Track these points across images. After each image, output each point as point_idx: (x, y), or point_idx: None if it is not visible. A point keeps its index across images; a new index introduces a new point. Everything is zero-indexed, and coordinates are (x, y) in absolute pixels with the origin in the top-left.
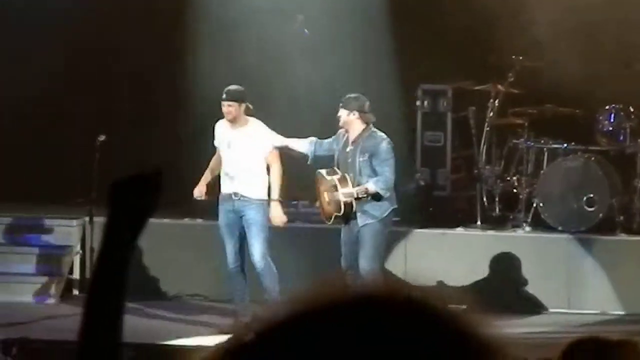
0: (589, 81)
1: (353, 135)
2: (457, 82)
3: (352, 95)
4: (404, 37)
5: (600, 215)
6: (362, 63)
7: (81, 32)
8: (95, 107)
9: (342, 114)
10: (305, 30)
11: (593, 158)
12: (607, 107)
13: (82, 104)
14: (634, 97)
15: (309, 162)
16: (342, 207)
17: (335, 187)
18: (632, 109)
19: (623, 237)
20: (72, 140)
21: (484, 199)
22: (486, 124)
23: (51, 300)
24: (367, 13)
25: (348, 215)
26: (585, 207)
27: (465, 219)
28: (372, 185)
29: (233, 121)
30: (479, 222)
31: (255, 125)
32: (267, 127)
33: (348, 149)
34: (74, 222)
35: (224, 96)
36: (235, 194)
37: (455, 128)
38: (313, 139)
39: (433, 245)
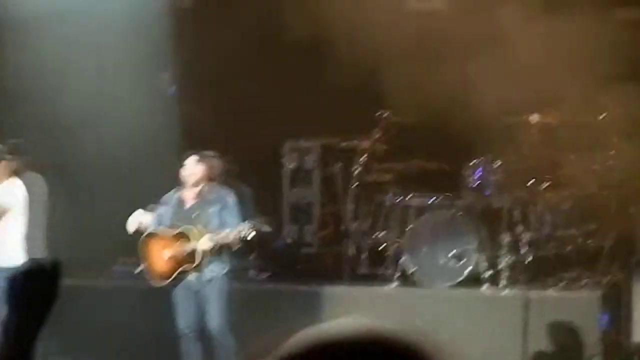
0: (458, 134)
1: (195, 189)
2: (324, 139)
3: (208, 152)
4: (270, 92)
5: (468, 269)
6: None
7: None
8: None
9: (196, 169)
10: (172, 89)
11: (460, 213)
12: (473, 162)
13: None
14: (501, 150)
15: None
16: (201, 256)
17: (182, 240)
18: (497, 163)
19: (490, 292)
20: None
21: (352, 256)
22: (353, 180)
23: None
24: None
25: (197, 267)
26: (453, 262)
27: (333, 276)
28: (234, 233)
29: None
30: (346, 279)
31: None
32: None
33: (190, 205)
34: None
35: None
36: None
37: (323, 184)
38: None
39: (302, 302)
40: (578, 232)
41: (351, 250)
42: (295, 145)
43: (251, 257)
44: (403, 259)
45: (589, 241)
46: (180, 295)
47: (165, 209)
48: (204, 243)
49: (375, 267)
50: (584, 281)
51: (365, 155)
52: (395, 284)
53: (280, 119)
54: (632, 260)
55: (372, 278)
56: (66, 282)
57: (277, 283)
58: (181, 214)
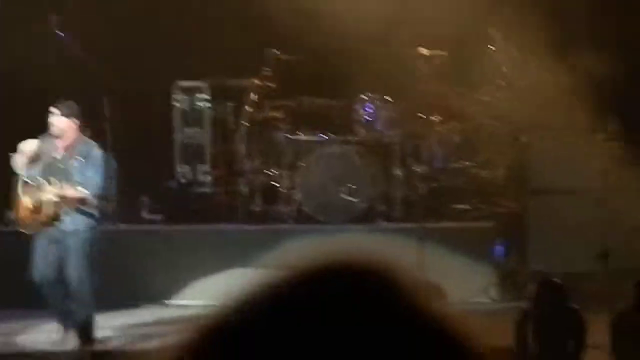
0: (346, 72)
1: (66, 142)
2: (214, 78)
3: (69, 101)
4: (159, 33)
5: (362, 205)
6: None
7: None
8: None
9: (59, 120)
10: (61, 33)
11: (352, 148)
12: (363, 97)
13: None
14: (391, 85)
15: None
16: (51, 208)
17: (41, 190)
18: (388, 98)
19: (385, 225)
20: None
21: (246, 195)
22: (245, 119)
23: None
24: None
25: (55, 218)
26: (347, 198)
27: (228, 215)
28: (82, 190)
29: None
30: (240, 218)
31: None
32: None
33: (59, 156)
34: None
35: None
36: None
37: (214, 124)
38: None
39: (197, 243)
40: (471, 163)
41: (245, 189)
42: (184, 85)
43: (144, 198)
44: (297, 196)
45: (482, 172)
46: (41, 245)
47: (37, 156)
48: (49, 195)
49: (269, 206)
50: (479, 212)
51: (256, 93)
52: (290, 221)
53: (170, 59)
54: (526, 190)
55: (267, 217)
56: None
57: (171, 224)
58: (50, 163)
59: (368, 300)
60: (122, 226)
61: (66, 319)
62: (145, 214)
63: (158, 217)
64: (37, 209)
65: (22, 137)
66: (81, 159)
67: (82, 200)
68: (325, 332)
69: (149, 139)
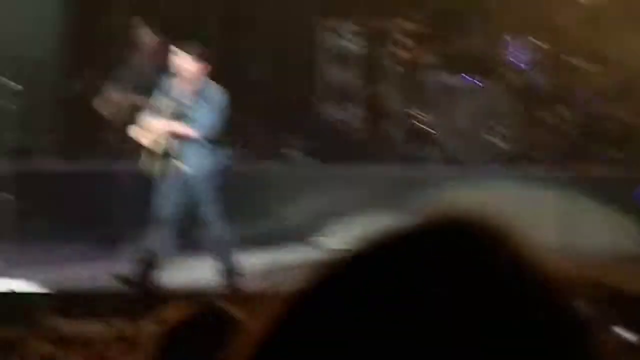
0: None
1: (189, 83)
2: (364, 18)
3: (194, 42)
4: None
5: (507, 148)
6: None
7: None
8: None
9: (186, 61)
10: None
11: (500, 91)
12: (513, 40)
13: None
14: (542, 28)
15: None
16: (162, 145)
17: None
18: (538, 42)
19: (530, 170)
20: None
21: (393, 137)
22: (391, 60)
23: None
24: None
25: (166, 153)
26: (493, 140)
27: (375, 157)
28: (197, 129)
29: None
30: (387, 159)
31: None
32: None
33: (183, 98)
34: None
35: None
36: None
37: (360, 64)
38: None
39: (347, 184)
40: (622, 110)
41: (390, 130)
42: (333, 25)
43: (287, 137)
44: (443, 138)
45: (636, 119)
46: (166, 185)
47: (164, 96)
48: (163, 130)
49: (414, 147)
50: (630, 160)
51: (403, 34)
52: (434, 164)
53: None
54: None
55: (412, 158)
56: None
57: (320, 164)
58: (174, 103)
59: (470, 258)
60: (264, 164)
61: (213, 259)
62: (287, 152)
63: (301, 155)
64: (155, 145)
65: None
66: (202, 100)
67: (196, 139)
68: (428, 292)
69: (294, 78)
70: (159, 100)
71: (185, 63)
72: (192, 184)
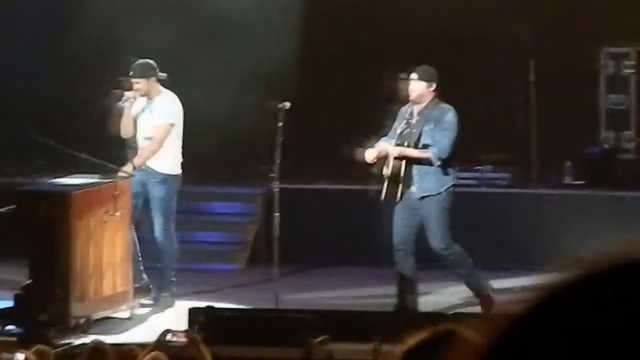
0: None
1: (419, 107)
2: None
3: (425, 66)
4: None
5: None
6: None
7: None
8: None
9: (417, 86)
10: None
11: None
12: None
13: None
14: None
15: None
16: (390, 166)
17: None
18: None
19: None
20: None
21: None
22: None
23: (237, 268)
24: None
25: (396, 177)
26: None
27: None
28: (426, 152)
29: (144, 96)
30: None
31: (161, 99)
32: (172, 102)
33: (413, 121)
34: (258, 190)
35: (130, 73)
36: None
37: (639, 90)
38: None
39: (615, 209)
40: None
41: None
42: (611, 51)
43: (566, 164)
44: None
45: None
46: (397, 211)
47: (398, 123)
48: (393, 155)
49: None
50: None
51: None
52: None
53: (598, 25)
54: None
55: None
56: None
57: (594, 190)
58: (406, 128)
59: None
60: (543, 190)
61: (465, 282)
62: (567, 179)
63: (580, 182)
64: (388, 173)
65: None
66: (432, 124)
67: (427, 162)
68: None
69: (574, 103)
70: (393, 124)
71: (415, 86)
72: (421, 207)
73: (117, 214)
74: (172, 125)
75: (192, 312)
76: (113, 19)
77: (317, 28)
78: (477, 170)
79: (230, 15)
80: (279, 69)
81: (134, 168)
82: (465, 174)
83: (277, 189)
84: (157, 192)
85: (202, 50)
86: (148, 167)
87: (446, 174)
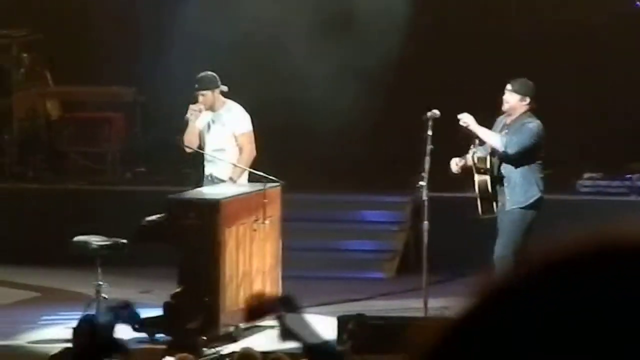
0: None
1: (511, 119)
2: None
3: (522, 79)
4: None
5: None
6: None
7: None
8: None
9: (512, 98)
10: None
11: None
12: None
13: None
14: None
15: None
16: (475, 182)
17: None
18: None
19: None
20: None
21: None
22: None
23: (386, 277)
24: None
25: (485, 193)
26: None
27: None
28: (494, 136)
29: (209, 108)
30: None
31: (228, 109)
32: (242, 111)
33: (502, 132)
34: (407, 198)
35: (195, 85)
36: (210, 175)
37: None
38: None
39: None
40: None
41: None
42: None
43: None
44: None
45: None
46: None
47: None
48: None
49: None
50: None
51: None
52: None
53: None
54: None
55: None
56: None
57: None
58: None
59: None
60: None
61: None
62: None
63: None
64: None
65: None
66: (515, 132)
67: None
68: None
69: None
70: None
71: (508, 97)
72: (505, 215)
73: (267, 222)
74: (251, 131)
75: (341, 320)
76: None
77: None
78: (626, 179)
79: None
80: (428, 79)
81: (234, 182)
82: (615, 183)
83: (426, 198)
84: None
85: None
86: (213, 177)
87: (532, 187)
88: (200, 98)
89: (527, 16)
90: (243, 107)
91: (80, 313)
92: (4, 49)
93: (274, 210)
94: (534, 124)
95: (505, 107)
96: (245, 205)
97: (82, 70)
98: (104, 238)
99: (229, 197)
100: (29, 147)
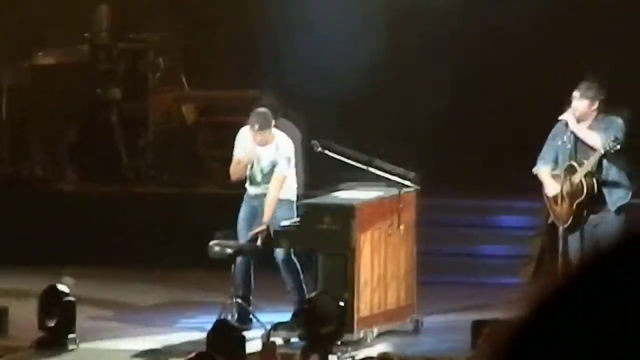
0: None
1: (586, 124)
2: None
3: (588, 83)
4: None
5: None
6: None
7: None
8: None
9: (581, 104)
10: None
11: None
12: None
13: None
14: None
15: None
16: (584, 186)
17: (572, 172)
18: None
19: None
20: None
21: None
22: None
23: (522, 281)
24: None
25: (591, 196)
26: None
27: None
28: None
29: (264, 145)
30: None
31: (278, 143)
32: (289, 144)
33: (567, 139)
34: (542, 203)
35: (255, 127)
36: (258, 194)
37: None
38: (549, 169)
39: None
40: None
41: None
42: None
43: None
44: None
45: None
46: (572, 235)
47: (559, 140)
48: (578, 177)
49: None
50: None
51: None
52: None
53: None
54: None
55: None
56: None
57: None
58: (575, 147)
59: None
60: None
61: None
62: None
63: None
64: (569, 196)
65: None
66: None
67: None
68: None
69: None
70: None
71: (578, 104)
72: (599, 228)
73: (402, 227)
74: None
75: (476, 324)
76: None
77: None
78: None
79: None
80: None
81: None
82: None
83: None
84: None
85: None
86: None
87: (627, 183)
88: (258, 138)
89: None
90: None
91: (215, 318)
92: (140, 54)
93: (409, 215)
94: (620, 120)
95: (577, 114)
96: (380, 210)
97: (219, 74)
98: (240, 242)
99: (364, 201)
100: (164, 151)
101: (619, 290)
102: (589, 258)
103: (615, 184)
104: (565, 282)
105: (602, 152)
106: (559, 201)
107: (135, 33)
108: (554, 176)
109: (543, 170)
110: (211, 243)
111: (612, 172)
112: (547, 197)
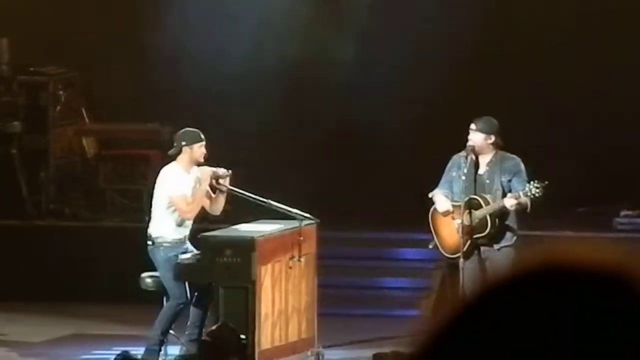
0: None
1: (485, 159)
2: None
3: (486, 117)
4: None
5: None
6: None
7: None
8: None
9: (477, 137)
10: None
11: None
12: None
13: None
14: None
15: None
16: (489, 222)
17: (475, 206)
18: None
19: None
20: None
21: None
22: None
23: (423, 314)
24: None
25: (493, 235)
26: None
27: None
28: (509, 201)
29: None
30: None
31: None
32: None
33: (482, 172)
34: None
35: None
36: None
37: None
38: (446, 192)
39: None
40: None
41: None
42: None
43: None
44: None
45: None
46: (468, 266)
47: (456, 174)
48: (483, 211)
49: None
50: None
51: None
52: None
53: None
54: None
55: None
56: None
57: None
58: (472, 179)
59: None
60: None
61: None
62: None
63: None
64: (469, 228)
65: None
66: (509, 175)
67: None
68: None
69: None
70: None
71: (474, 136)
72: (491, 261)
73: (302, 259)
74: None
75: (377, 357)
76: None
77: None
78: None
79: None
80: None
81: None
82: None
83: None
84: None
85: None
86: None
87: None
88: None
89: None
90: None
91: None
92: (41, 87)
93: (310, 247)
94: (523, 165)
95: (472, 147)
96: (280, 243)
97: (118, 108)
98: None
99: (265, 234)
100: (65, 184)
101: (504, 325)
102: (476, 293)
103: (507, 227)
104: (454, 317)
105: (524, 197)
106: (457, 231)
107: (36, 66)
108: (454, 205)
109: (438, 192)
110: (143, 275)
111: (510, 215)
112: (434, 221)
